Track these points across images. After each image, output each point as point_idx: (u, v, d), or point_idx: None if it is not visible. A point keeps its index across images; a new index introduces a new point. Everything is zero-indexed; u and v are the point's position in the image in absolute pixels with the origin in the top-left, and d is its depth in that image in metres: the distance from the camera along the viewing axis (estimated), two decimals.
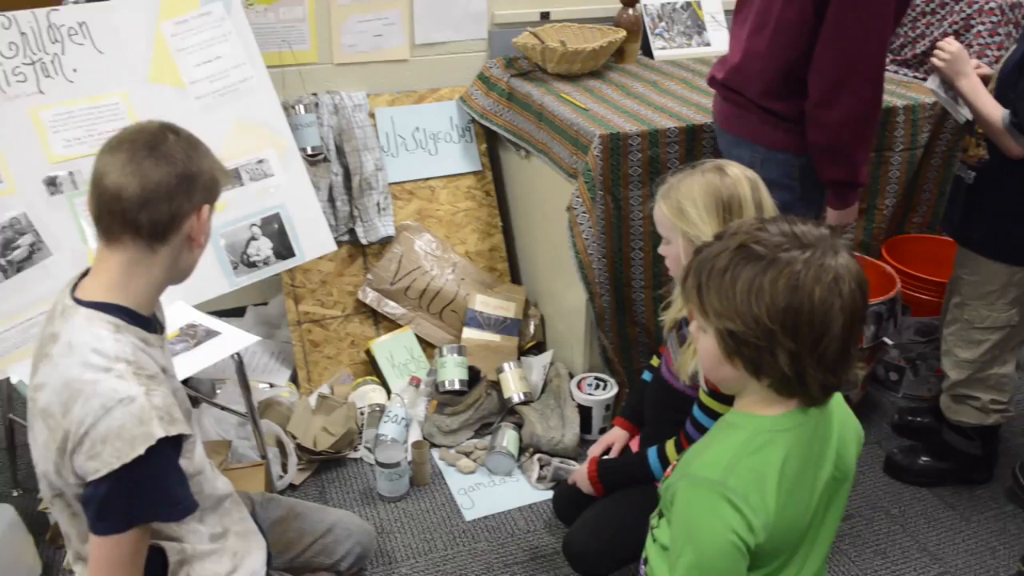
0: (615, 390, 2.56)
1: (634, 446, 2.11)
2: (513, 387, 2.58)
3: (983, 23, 2.75)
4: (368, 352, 2.74)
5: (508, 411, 2.60)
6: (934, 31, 2.86)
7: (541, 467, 2.41)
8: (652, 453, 1.93)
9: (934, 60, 2.08)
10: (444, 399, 2.56)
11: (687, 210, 1.69)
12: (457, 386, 2.55)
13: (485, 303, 2.84)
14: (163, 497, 1.30)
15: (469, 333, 2.80)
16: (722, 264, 1.17)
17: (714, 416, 1.80)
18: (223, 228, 2.33)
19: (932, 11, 2.87)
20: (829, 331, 1.13)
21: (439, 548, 2.19)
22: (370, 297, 2.80)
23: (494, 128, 2.88)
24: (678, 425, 1.93)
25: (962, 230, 2.22)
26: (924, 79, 2.56)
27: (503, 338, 2.81)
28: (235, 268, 2.36)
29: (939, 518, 2.35)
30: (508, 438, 2.45)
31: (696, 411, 1.83)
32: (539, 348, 2.90)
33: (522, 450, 2.48)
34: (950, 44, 2.05)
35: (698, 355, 1.30)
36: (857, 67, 1.85)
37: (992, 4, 2.73)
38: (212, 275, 2.31)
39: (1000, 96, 2.02)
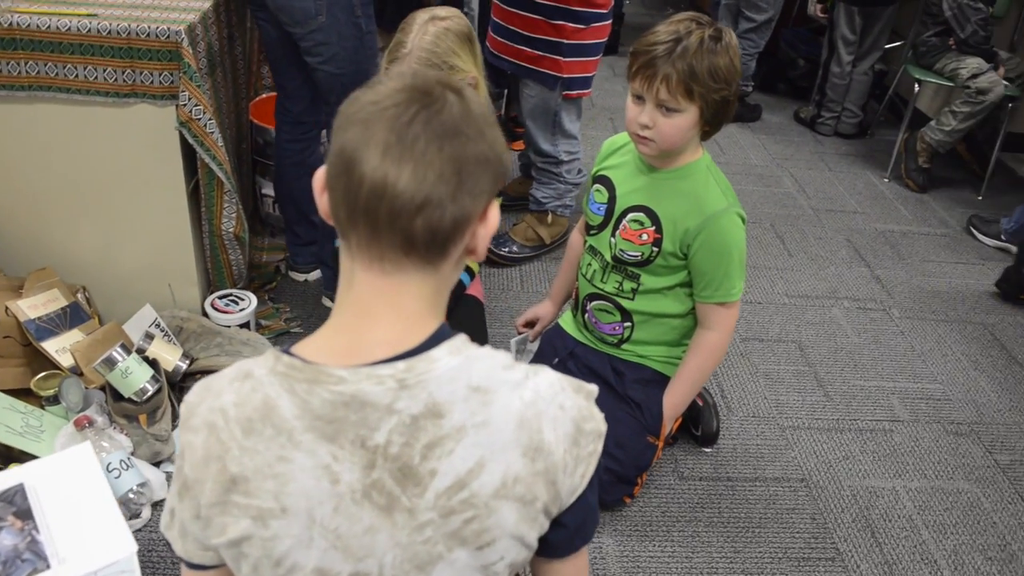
0: (254, 297, 2.44)
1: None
2: (171, 356, 2.20)
3: None
4: None
5: (180, 380, 2.23)
6: None
7: None
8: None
9: None
10: (147, 408, 2.05)
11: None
12: (155, 385, 2.06)
13: (34, 306, 2.16)
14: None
15: (51, 344, 2.13)
16: (704, 49, 1.62)
17: None
18: None
19: None
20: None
21: None
22: None
23: None
24: None
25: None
26: None
27: (83, 326, 2.23)
28: None
29: None
30: None
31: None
32: (101, 320, 2.39)
33: None
34: None
35: (661, 135, 1.70)
36: None
37: None
38: None
39: None
